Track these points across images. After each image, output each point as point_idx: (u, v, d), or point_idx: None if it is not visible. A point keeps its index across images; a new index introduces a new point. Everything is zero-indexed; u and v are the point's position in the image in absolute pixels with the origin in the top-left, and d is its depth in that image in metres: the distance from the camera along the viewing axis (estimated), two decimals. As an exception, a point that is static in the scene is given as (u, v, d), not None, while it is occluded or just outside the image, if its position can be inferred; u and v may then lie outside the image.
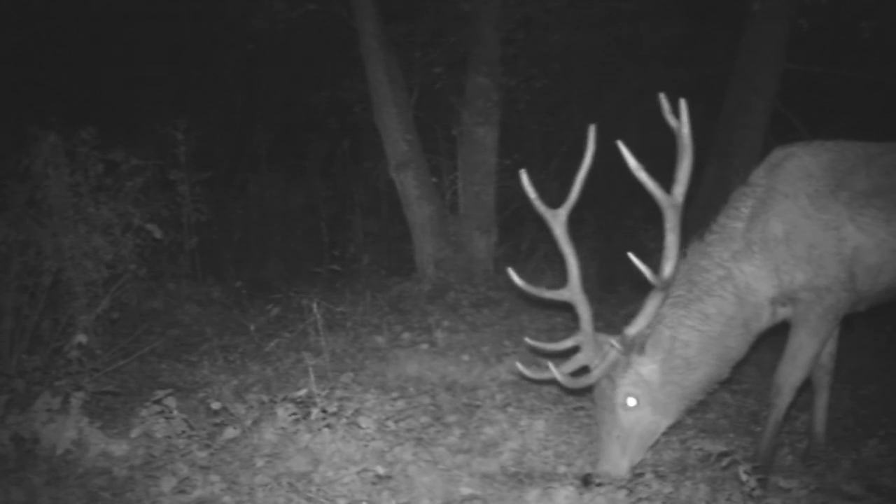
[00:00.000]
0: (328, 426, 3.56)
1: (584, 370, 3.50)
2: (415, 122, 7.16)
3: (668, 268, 3.37)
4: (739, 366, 3.68)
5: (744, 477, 3.15)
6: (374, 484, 3.32)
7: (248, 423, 3.64)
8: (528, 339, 3.68)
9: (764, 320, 3.54)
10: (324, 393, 3.71)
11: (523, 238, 8.00)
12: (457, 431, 4.00)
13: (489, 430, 4.00)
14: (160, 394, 3.53)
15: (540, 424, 4.02)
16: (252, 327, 5.36)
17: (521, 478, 3.54)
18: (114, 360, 4.57)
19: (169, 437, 3.50)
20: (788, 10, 6.44)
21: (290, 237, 8.93)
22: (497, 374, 4.86)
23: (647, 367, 3.37)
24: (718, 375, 3.54)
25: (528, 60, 7.90)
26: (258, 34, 7.96)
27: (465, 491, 3.37)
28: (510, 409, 4.27)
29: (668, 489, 3.24)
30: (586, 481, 3.36)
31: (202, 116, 8.35)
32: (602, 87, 9.33)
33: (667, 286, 3.40)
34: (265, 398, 3.79)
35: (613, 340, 3.39)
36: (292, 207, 9.36)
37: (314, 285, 6.64)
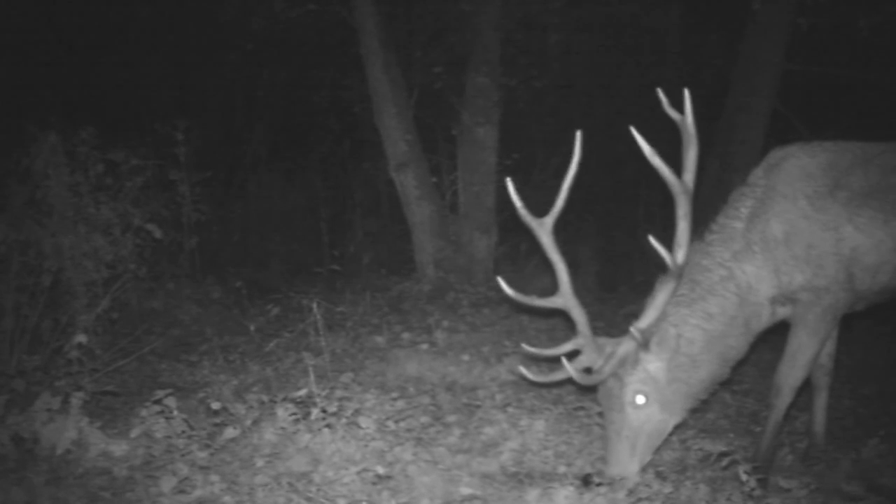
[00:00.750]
0: (328, 426, 3.56)
1: (588, 371, 3.49)
2: (415, 122, 7.16)
3: (680, 254, 3.38)
4: (739, 366, 3.69)
5: (744, 477, 3.15)
6: (374, 484, 3.32)
7: (248, 423, 3.64)
8: (524, 346, 3.66)
9: (764, 320, 3.54)
10: (324, 393, 3.71)
11: (523, 238, 8.00)
12: (457, 431, 4.00)
13: (489, 430, 4.00)
14: (160, 394, 3.53)
15: (540, 424, 4.02)
16: (252, 327, 5.36)
17: (521, 478, 3.54)
18: (114, 360, 4.57)
19: (169, 437, 3.50)
20: (788, 10, 6.44)
21: (290, 237, 8.92)
22: (497, 374, 4.86)
23: (654, 365, 3.36)
24: (720, 375, 3.54)
25: (528, 60, 7.90)
26: (258, 34, 7.95)
27: (465, 491, 3.37)
28: (510, 409, 4.27)
29: (668, 489, 3.24)
30: (586, 481, 3.36)
31: (202, 116, 8.35)
32: (602, 87, 9.34)
33: (680, 274, 3.39)
34: (265, 398, 3.80)
35: (634, 330, 3.35)
36: (292, 207, 9.36)
37: (314, 285, 6.64)
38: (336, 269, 6.76)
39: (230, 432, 3.54)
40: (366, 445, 3.58)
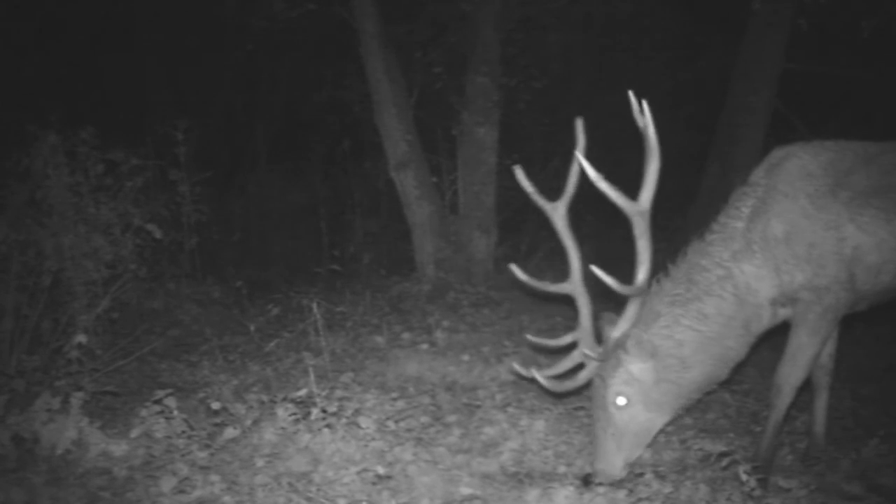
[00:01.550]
0: (328, 426, 3.56)
1: (582, 367, 3.53)
2: (415, 122, 7.15)
3: (641, 274, 3.40)
4: (739, 366, 3.69)
5: (744, 477, 3.15)
6: (374, 484, 3.32)
7: (248, 423, 3.64)
8: (529, 336, 3.70)
9: (764, 321, 3.54)
10: (324, 393, 3.71)
11: (523, 238, 8.00)
12: (457, 431, 4.00)
13: (489, 430, 4.00)
14: (160, 394, 3.53)
15: (540, 424, 4.03)
16: (252, 327, 5.36)
17: (521, 478, 3.54)
18: (114, 360, 4.57)
19: (169, 437, 3.50)
20: (788, 10, 6.44)
21: (290, 237, 8.93)
22: (497, 374, 4.86)
23: (638, 366, 3.37)
24: (717, 375, 3.54)
25: (528, 60, 7.90)
26: (258, 34, 7.95)
27: (465, 491, 3.37)
28: (510, 409, 4.27)
29: (668, 489, 3.25)
30: (586, 481, 3.37)
31: (202, 116, 8.35)
32: (602, 87, 9.33)
33: (642, 292, 3.42)
34: (265, 398, 3.80)
35: (587, 350, 3.44)
36: (292, 207, 9.36)
37: (314, 285, 6.64)
38: (336, 269, 6.76)
39: (230, 432, 3.54)
40: (366, 445, 3.58)
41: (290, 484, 3.25)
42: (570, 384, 3.51)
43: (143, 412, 3.54)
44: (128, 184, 5.33)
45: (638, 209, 3.38)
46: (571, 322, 3.66)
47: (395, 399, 4.24)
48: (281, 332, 5.43)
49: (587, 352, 3.41)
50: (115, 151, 5.27)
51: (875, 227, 3.36)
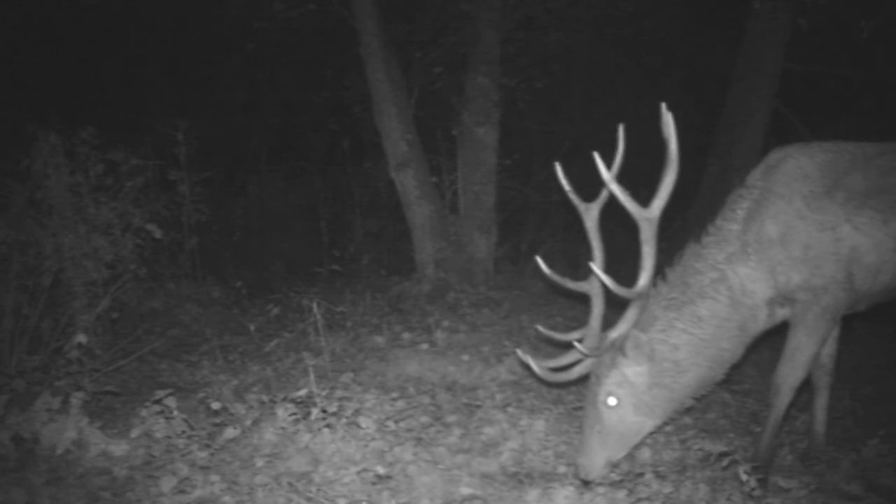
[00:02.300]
0: (328, 426, 3.57)
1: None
2: (415, 122, 7.15)
3: (643, 279, 3.43)
4: (738, 366, 3.69)
5: (744, 477, 3.15)
6: (374, 484, 3.32)
7: (248, 423, 3.64)
8: (539, 327, 3.73)
9: (761, 322, 3.54)
10: (324, 393, 3.72)
11: (523, 238, 8.00)
12: (457, 431, 4.00)
13: (489, 430, 4.00)
14: (160, 394, 3.53)
15: (540, 424, 4.03)
16: (252, 327, 5.36)
17: (521, 478, 3.54)
18: (114, 360, 4.57)
19: (169, 437, 3.50)
20: (788, 10, 6.44)
21: (290, 237, 8.93)
22: (497, 374, 4.86)
23: (632, 370, 3.40)
24: (711, 377, 3.55)
25: (528, 60, 7.90)
26: (258, 34, 7.95)
27: (465, 491, 3.37)
28: (510, 409, 4.27)
29: (668, 489, 3.25)
30: (586, 481, 3.37)
31: (202, 116, 8.35)
32: (602, 86, 9.34)
33: (642, 297, 3.45)
34: (265, 398, 3.80)
35: (580, 346, 3.45)
36: (292, 207, 9.37)
37: (314, 285, 6.64)
38: (336, 269, 6.76)
39: (230, 432, 3.54)
40: (366, 445, 3.58)
41: (290, 484, 3.25)
42: (563, 376, 3.56)
43: (143, 412, 3.54)
44: (128, 184, 5.33)
45: (647, 215, 3.40)
46: (572, 322, 3.68)
47: (395, 399, 4.25)
48: (281, 332, 5.43)
49: (580, 347, 3.44)
50: (115, 151, 5.28)
51: (872, 228, 3.36)
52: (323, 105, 8.87)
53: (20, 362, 4.14)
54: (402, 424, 3.93)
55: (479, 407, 4.32)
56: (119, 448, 3.55)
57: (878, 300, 3.59)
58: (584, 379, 3.62)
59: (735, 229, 3.50)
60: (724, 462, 3.36)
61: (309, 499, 3.19)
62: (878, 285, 3.47)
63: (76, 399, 3.61)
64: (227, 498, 3.20)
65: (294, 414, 3.60)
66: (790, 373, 3.48)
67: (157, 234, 5.36)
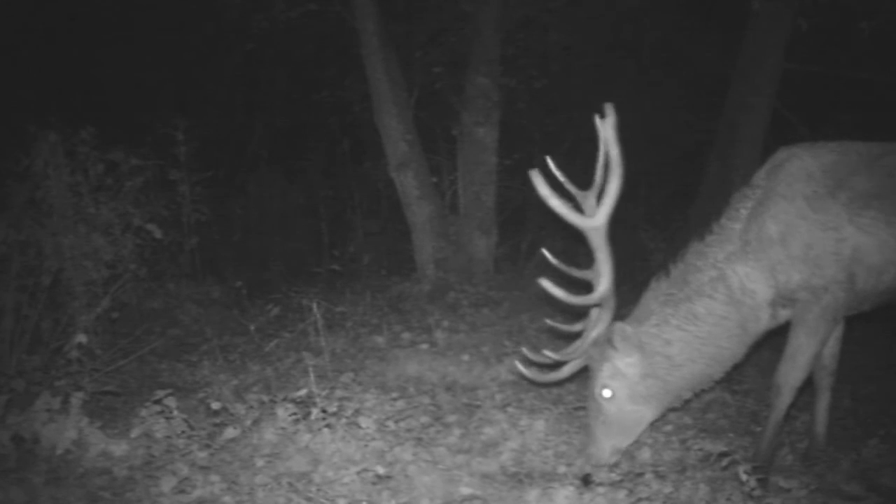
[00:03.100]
0: (328, 426, 3.56)
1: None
2: (415, 122, 7.15)
3: (602, 285, 3.49)
4: (739, 366, 3.69)
5: (744, 477, 3.15)
6: (374, 484, 3.32)
7: (248, 423, 3.64)
8: (548, 321, 3.79)
9: (763, 323, 3.54)
10: (324, 393, 3.71)
11: (523, 238, 8.00)
12: (457, 431, 4.00)
13: (489, 430, 4.00)
14: (160, 394, 3.53)
15: (540, 424, 4.02)
16: (252, 327, 5.36)
17: (521, 478, 3.54)
18: (114, 360, 4.57)
19: (169, 437, 3.50)
20: (788, 10, 6.44)
21: (290, 237, 8.92)
22: (497, 374, 4.86)
23: (623, 361, 3.49)
24: (710, 374, 3.58)
25: (528, 60, 7.90)
26: (258, 34, 7.96)
27: (465, 491, 3.37)
28: (510, 409, 4.27)
29: (668, 489, 3.25)
30: (586, 481, 3.37)
31: (202, 116, 8.35)
32: (602, 87, 9.33)
33: (606, 301, 3.52)
34: (265, 398, 3.80)
35: (547, 351, 3.61)
36: (292, 207, 9.36)
37: (314, 285, 6.63)
38: (336, 269, 6.76)
39: (230, 432, 3.54)
40: (366, 445, 3.58)
41: (290, 484, 3.25)
42: (554, 376, 3.68)
43: (143, 412, 3.54)
44: (128, 184, 5.33)
45: (593, 224, 3.44)
46: (553, 322, 3.74)
47: (395, 399, 4.24)
48: (281, 332, 5.43)
49: (549, 354, 3.59)
50: (115, 151, 5.27)
51: (876, 229, 3.36)
52: (323, 105, 8.87)
53: (20, 362, 4.14)
54: (402, 424, 3.93)
55: (479, 407, 4.32)
56: (119, 448, 3.55)
57: (882, 301, 3.58)
58: (581, 379, 3.68)
59: (737, 229, 3.51)
60: (724, 462, 3.36)
61: (309, 499, 3.19)
62: (882, 286, 3.46)
63: (76, 399, 3.61)
64: (227, 498, 3.20)
65: (294, 414, 3.60)
66: (791, 373, 3.49)
67: (157, 234, 5.36)
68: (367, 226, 8.51)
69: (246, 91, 10.72)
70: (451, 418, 4.17)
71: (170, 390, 3.60)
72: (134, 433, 3.52)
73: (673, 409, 3.80)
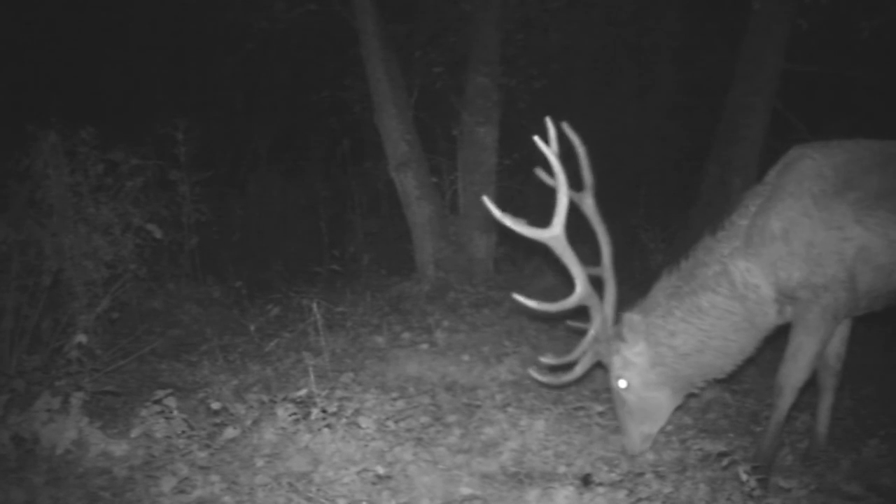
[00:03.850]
0: (328, 426, 3.56)
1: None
2: (415, 122, 7.15)
3: (578, 287, 3.61)
4: (747, 363, 3.72)
5: (744, 477, 3.16)
6: (374, 484, 3.32)
7: (248, 423, 3.64)
8: (568, 322, 3.93)
9: (771, 318, 3.57)
10: (324, 393, 3.72)
11: (523, 238, 7.99)
12: (457, 431, 4.00)
13: (489, 430, 4.00)
14: (160, 394, 3.53)
15: (540, 424, 4.02)
16: (252, 327, 5.36)
17: (521, 478, 3.54)
18: (114, 360, 4.57)
19: (169, 437, 3.50)
20: (788, 10, 6.44)
21: (290, 237, 8.92)
22: (497, 374, 4.86)
23: (632, 351, 3.62)
24: (720, 366, 3.66)
25: (528, 60, 7.90)
26: (258, 34, 7.95)
27: (465, 491, 3.37)
28: (510, 409, 4.27)
29: (668, 489, 3.24)
30: (586, 481, 3.37)
31: (202, 116, 8.35)
32: (602, 87, 9.33)
33: (590, 301, 3.63)
34: (265, 398, 3.80)
35: (546, 357, 3.76)
36: (292, 207, 9.36)
37: (314, 285, 6.63)
38: (336, 269, 6.75)
39: (230, 432, 3.54)
40: (366, 445, 3.58)
41: (290, 484, 3.25)
42: (567, 377, 3.77)
43: (143, 412, 3.54)
44: (128, 184, 5.33)
45: (551, 234, 3.55)
46: (572, 323, 3.75)
47: (395, 399, 4.24)
48: (281, 332, 5.42)
49: (549, 360, 3.75)
50: (115, 151, 5.27)
51: (885, 229, 3.33)
52: (323, 105, 8.87)
53: (20, 362, 4.13)
54: (402, 424, 3.93)
55: (479, 407, 4.32)
56: (119, 448, 3.55)
57: (892, 302, 3.57)
58: (581, 379, 3.80)
59: (744, 225, 3.55)
60: (724, 462, 3.37)
61: (309, 499, 3.19)
62: (892, 285, 3.44)
63: (76, 399, 3.61)
64: (227, 498, 3.20)
65: (294, 414, 3.60)
66: (792, 374, 3.48)
67: (157, 234, 5.36)
68: (367, 226, 8.50)
69: (246, 91, 10.72)
70: (451, 418, 4.17)
71: (170, 390, 3.60)
72: (134, 433, 3.52)
73: (692, 395, 3.91)
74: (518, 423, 4.07)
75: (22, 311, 4.39)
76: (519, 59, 7.72)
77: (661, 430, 3.85)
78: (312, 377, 3.83)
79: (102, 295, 4.95)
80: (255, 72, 10.09)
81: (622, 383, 3.67)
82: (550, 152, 3.51)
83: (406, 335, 5.54)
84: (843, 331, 3.74)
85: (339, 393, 3.87)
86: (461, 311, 6.10)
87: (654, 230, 7.38)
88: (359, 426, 3.61)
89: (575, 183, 3.63)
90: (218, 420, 3.66)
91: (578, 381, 3.94)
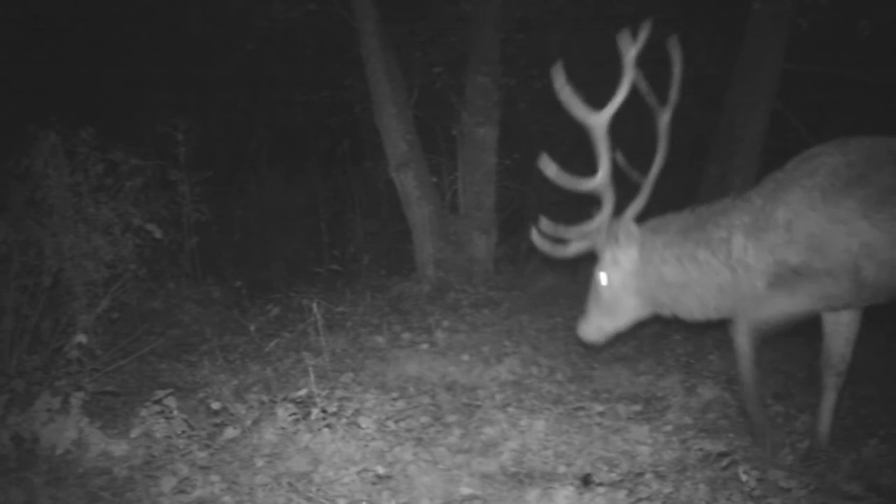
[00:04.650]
0: (328, 426, 3.56)
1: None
2: (415, 122, 7.15)
3: (600, 172, 3.89)
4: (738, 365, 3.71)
5: (744, 477, 3.15)
6: (374, 484, 3.32)
7: (248, 423, 3.64)
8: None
9: (760, 291, 3.61)
10: (324, 393, 3.72)
11: (523, 238, 7.99)
12: (457, 431, 4.00)
13: (489, 430, 4.00)
14: (160, 394, 3.53)
15: (540, 424, 4.02)
16: (252, 327, 5.36)
17: (521, 478, 3.53)
18: (114, 360, 4.57)
19: (169, 437, 3.50)
20: (788, 10, 6.44)
21: (290, 237, 8.92)
22: (497, 374, 4.86)
23: (622, 253, 3.86)
24: (692, 310, 3.84)
25: (528, 60, 7.90)
26: (258, 34, 7.96)
27: (465, 491, 3.37)
28: (510, 409, 4.27)
29: (668, 489, 3.24)
30: (586, 481, 3.37)
31: (202, 116, 8.35)
32: (602, 86, 9.31)
33: (604, 189, 3.89)
34: (265, 398, 3.80)
35: (544, 224, 3.93)
36: (292, 207, 9.36)
37: (314, 285, 6.64)
38: (336, 269, 6.76)
39: (230, 432, 3.54)
40: (366, 445, 3.58)
41: (290, 484, 3.25)
42: (560, 251, 4.02)
43: (143, 412, 3.54)
44: (128, 184, 5.33)
45: (597, 119, 3.93)
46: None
47: (395, 399, 4.24)
48: (281, 332, 5.43)
49: (561, 231, 3.95)
50: (115, 151, 5.27)
51: (892, 225, 3.33)
52: (323, 105, 8.87)
53: (20, 362, 4.13)
54: (402, 424, 3.93)
55: (479, 407, 4.32)
56: (119, 448, 3.55)
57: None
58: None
59: (758, 203, 3.61)
60: (724, 462, 3.37)
61: (309, 499, 3.19)
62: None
63: (76, 399, 3.61)
64: (227, 498, 3.20)
65: (294, 414, 3.60)
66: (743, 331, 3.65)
67: (157, 234, 5.36)
68: (367, 226, 8.51)
69: (246, 91, 10.71)
70: (451, 418, 4.17)
71: (170, 390, 3.60)
72: (134, 433, 3.52)
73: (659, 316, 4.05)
74: (518, 423, 4.07)
75: (22, 311, 4.38)
76: (519, 59, 7.72)
77: (619, 332, 4.08)
78: (312, 377, 3.83)
79: (102, 295, 4.95)
80: (255, 72, 10.08)
81: (604, 277, 3.91)
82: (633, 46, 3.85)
83: (406, 335, 5.54)
84: (847, 332, 3.74)
85: (339, 393, 3.87)
86: (461, 311, 6.11)
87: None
88: (359, 426, 3.61)
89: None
90: (218, 420, 3.66)
91: (571, 257, 4.08)
